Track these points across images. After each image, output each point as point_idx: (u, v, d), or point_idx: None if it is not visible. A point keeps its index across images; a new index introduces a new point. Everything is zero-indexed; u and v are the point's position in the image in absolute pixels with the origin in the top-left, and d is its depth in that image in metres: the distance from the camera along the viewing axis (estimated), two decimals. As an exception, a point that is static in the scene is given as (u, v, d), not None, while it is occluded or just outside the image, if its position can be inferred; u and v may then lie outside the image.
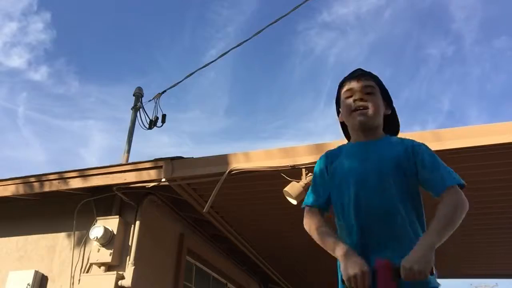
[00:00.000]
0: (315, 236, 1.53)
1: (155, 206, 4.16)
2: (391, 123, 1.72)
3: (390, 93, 1.72)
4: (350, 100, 1.62)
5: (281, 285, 7.19)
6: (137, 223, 3.83)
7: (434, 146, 3.03)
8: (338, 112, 1.76)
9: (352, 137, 1.68)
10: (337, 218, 1.57)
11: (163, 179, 3.60)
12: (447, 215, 1.37)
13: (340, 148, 1.68)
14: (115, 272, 3.58)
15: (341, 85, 1.72)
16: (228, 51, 5.49)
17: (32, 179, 3.95)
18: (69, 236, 3.97)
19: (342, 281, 1.36)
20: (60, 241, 3.98)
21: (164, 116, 5.99)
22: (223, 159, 3.52)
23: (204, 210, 3.79)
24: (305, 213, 1.61)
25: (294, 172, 3.27)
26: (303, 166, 3.24)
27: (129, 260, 3.67)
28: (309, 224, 1.57)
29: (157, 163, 3.67)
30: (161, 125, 5.99)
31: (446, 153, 3.07)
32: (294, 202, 3.26)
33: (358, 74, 1.67)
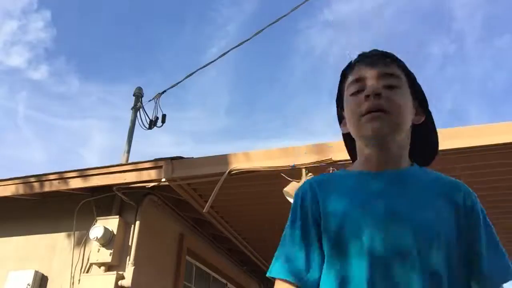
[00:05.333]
0: None
1: (155, 206, 4.16)
2: (423, 140, 1.08)
3: (424, 90, 1.07)
4: (359, 98, 0.99)
5: (281, 285, 7.19)
6: (137, 223, 3.83)
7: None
8: (340, 118, 1.13)
9: (358, 159, 1.05)
10: None
11: (163, 179, 3.60)
12: None
13: (333, 178, 1.05)
14: (115, 272, 3.58)
15: (345, 75, 1.09)
16: (228, 51, 5.50)
17: (32, 179, 3.95)
18: (69, 236, 3.97)
19: None
20: (60, 241, 3.98)
21: (164, 116, 5.99)
22: (223, 159, 3.52)
23: (204, 210, 3.79)
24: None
25: (294, 172, 3.27)
26: (303, 166, 3.24)
27: (129, 260, 3.67)
28: None
29: (157, 163, 3.67)
30: (161, 125, 5.99)
31: (446, 153, 3.07)
32: (294, 202, 3.25)
33: (374, 55, 1.04)
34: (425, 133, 1.07)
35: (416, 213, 0.91)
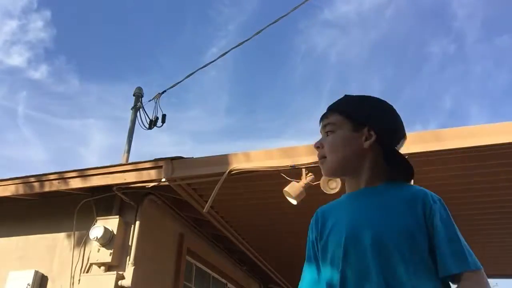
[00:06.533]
0: None
1: (155, 206, 4.16)
2: (394, 159, 1.20)
3: (377, 113, 1.24)
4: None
5: (281, 285, 7.19)
6: (137, 223, 3.83)
7: (434, 146, 3.06)
8: None
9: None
10: None
11: (163, 179, 3.60)
12: None
13: (332, 204, 1.28)
14: (115, 272, 3.58)
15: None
16: (229, 50, 5.49)
17: (32, 179, 3.95)
18: (69, 236, 3.97)
19: None
20: (60, 241, 3.98)
21: (164, 116, 6.00)
22: (223, 159, 3.52)
23: (204, 210, 3.79)
24: None
25: (294, 172, 3.27)
26: (303, 166, 3.25)
27: (129, 260, 3.67)
28: None
29: (157, 163, 3.67)
30: (161, 125, 6.00)
31: (446, 153, 3.08)
32: (294, 202, 3.26)
33: (325, 111, 1.29)
34: (393, 154, 1.20)
35: (377, 219, 1.11)
